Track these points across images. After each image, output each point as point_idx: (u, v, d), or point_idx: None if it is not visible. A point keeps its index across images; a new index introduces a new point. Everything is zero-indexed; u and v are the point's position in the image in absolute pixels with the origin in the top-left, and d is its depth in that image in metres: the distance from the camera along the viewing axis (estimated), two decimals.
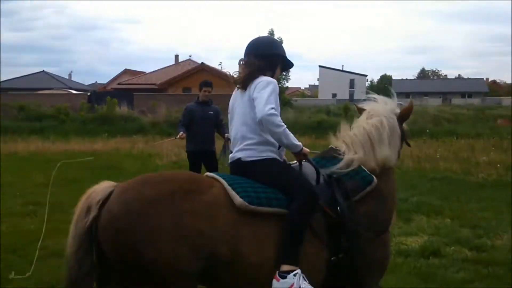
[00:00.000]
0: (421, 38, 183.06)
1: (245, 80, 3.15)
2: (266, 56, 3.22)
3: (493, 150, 14.24)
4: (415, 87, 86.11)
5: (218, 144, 7.24)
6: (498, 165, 11.10)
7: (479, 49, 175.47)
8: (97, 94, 32.19)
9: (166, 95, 31.04)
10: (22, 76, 55.09)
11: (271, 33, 25.98)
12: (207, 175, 3.04)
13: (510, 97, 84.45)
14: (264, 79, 3.04)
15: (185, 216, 2.53)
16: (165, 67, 43.77)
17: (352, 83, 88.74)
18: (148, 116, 23.57)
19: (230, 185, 2.77)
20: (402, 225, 6.51)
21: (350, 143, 3.26)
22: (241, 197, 2.70)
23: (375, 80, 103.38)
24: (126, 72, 59.04)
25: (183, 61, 45.64)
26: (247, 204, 2.69)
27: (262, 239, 2.73)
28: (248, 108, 3.06)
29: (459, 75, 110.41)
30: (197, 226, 2.53)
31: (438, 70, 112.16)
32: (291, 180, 2.94)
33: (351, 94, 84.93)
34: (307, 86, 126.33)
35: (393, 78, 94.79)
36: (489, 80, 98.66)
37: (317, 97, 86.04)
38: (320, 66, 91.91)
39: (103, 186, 2.71)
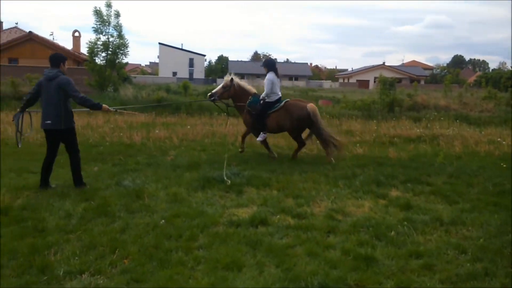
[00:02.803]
0: (253, 23, 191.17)
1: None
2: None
3: None
4: (249, 68, 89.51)
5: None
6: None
7: (302, 36, 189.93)
8: None
9: None
10: None
11: (108, 4, 24.51)
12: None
13: (330, 80, 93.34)
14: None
15: None
16: None
17: (191, 62, 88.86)
18: None
19: None
20: (235, 198, 6.78)
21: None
22: None
23: (213, 60, 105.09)
24: None
25: (8, 28, 40.69)
26: None
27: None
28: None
29: (287, 59, 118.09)
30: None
31: (269, 54, 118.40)
32: None
33: (191, 73, 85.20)
34: (148, 63, 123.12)
35: (230, 59, 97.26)
36: (312, 65, 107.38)
37: (157, 74, 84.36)
38: (160, 43, 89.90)
39: (311, 104, 9.74)
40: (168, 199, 6.59)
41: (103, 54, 24.98)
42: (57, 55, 7.10)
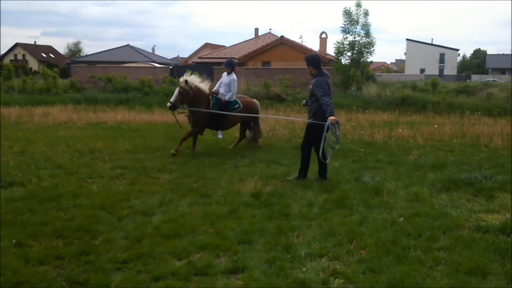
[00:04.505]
0: None
1: None
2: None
3: None
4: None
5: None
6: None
7: None
8: (179, 68, 33.30)
9: (245, 68, 31.47)
10: (108, 50, 58.36)
11: (358, 4, 25.36)
12: None
13: None
14: None
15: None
16: (245, 41, 44.23)
17: (442, 58, 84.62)
18: None
19: None
20: (484, 202, 6.39)
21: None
22: None
23: (468, 54, 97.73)
24: (207, 46, 60.41)
25: (263, 34, 45.84)
26: None
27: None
28: None
29: None
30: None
31: None
32: None
33: (441, 70, 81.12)
34: (394, 61, 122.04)
35: (488, 53, 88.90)
36: None
37: (403, 72, 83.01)
38: (407, 39, 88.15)
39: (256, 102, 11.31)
40: (409, 198, 6.62)
41: (349, 54, 25.98)
42: (316, 56, 7.84)
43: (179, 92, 9.55)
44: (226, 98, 10.21)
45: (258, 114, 10.94)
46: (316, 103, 7.49)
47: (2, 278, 4.09)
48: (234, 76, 10.33)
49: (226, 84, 10.30)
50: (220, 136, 10.74)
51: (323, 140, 7.45)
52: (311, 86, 7.59)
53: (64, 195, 6.51)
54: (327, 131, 7.36)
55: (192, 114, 9.93)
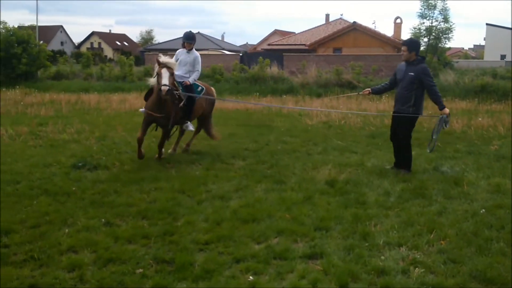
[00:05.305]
0: None
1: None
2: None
3: None
4: None
5: None
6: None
7: None
8: (248, 55, 33.62)
9: (316, 55, 31.25)
10: (179, 38, 59.85)
11: None
12: None
13: None
14: None
15: None
16: (315, 27, 43.78)
17: None
18: (298, 77, 24.08)
19: None
20: None
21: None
22: None
23: None
24: (276, 32, 60.38)
25: (334, 20, 45.14)
26: None
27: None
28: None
29: None
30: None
31: None
32: None
33: None
34: (472, 47, 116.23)
35: None
36: None
37: (482, 58, 79.00)
38: (487, 24, 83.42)
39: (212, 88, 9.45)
40: (490, 189, 6.47)
41: (425, 39, 25.19)
42: (417, 41, 7.78)
43: (170, 74, 7.65)
44: (190, 80, 8.37)
45: (214, 100, 9.34)
46: (416, 91, 7.06)
47: (95, 254, 4.44)
48: (196, 53, 8.59)
49: (188, 63, 8.48)
50: (191, 128, 8.76)
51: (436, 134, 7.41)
52: (411, 73, 7.01)
53: (145, 179, 6.88)
54: (442, 124, 7.26)
55: (164, 108, 7.84)
